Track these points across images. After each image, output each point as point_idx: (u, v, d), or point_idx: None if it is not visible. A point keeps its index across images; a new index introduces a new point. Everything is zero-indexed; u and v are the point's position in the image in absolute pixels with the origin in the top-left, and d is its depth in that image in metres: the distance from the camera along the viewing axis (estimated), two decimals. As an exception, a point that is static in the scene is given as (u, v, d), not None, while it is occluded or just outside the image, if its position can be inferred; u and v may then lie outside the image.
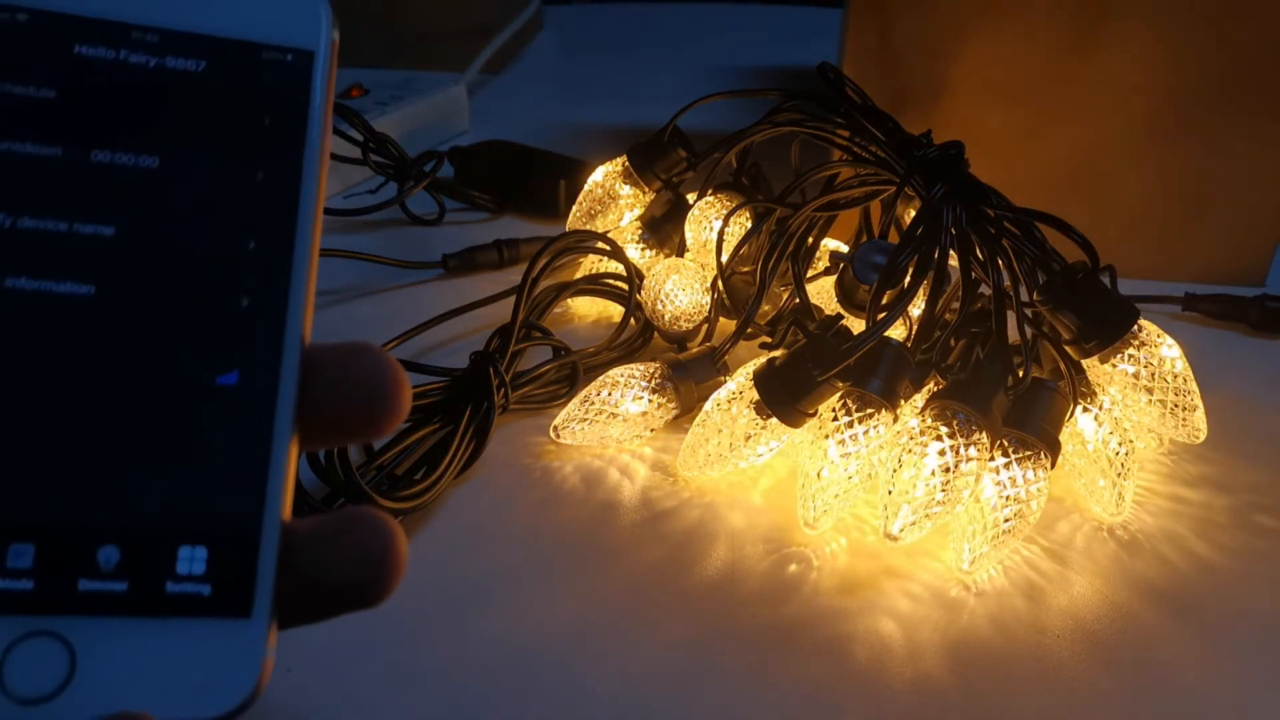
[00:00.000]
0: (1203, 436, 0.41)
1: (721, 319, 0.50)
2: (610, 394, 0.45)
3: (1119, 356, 0.40)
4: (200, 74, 0.20)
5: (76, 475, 0.18)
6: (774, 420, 0.41)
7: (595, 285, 0.53)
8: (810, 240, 0.48)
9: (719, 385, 0.44)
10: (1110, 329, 0.40)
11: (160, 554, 0.18)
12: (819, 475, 0.40)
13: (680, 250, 0.54)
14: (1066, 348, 0.41)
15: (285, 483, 0.19)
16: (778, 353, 0.42)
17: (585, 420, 0.44)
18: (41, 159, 0.19)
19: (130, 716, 0.17)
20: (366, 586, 0.19)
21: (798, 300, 0.46)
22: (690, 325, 0.50)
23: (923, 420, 0.39)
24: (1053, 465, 0.40)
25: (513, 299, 0.48)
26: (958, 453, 0.38)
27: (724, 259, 0.50)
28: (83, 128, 0.19)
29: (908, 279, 0.41)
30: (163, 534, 0.18)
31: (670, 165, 0.55)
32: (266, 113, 0.20)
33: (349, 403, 0.20)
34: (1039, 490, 0.39)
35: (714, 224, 0.52)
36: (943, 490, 0.38)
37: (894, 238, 0.46)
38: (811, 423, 0.41)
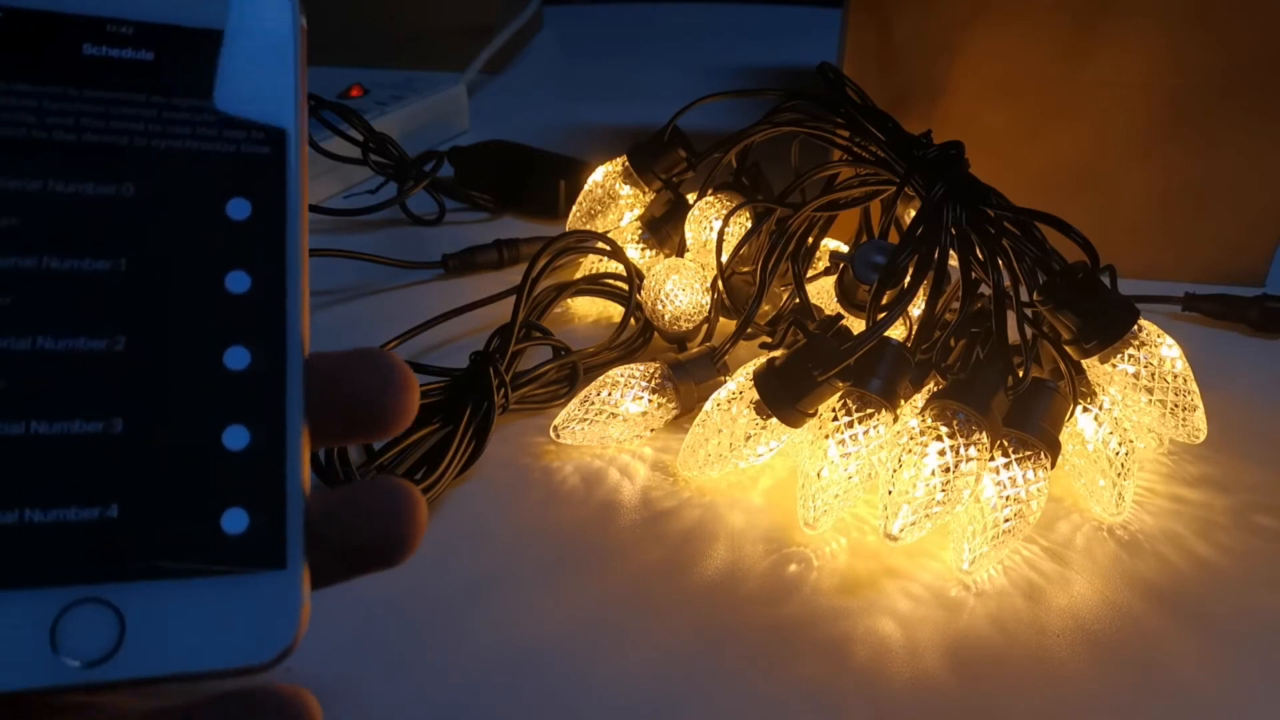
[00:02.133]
0: (1203, 436, 0.41)
1: (721, 319, 0.50)
2: (610, 394, 0.45)
3: (1119, 356, 0.40)
4: (168, 68, 0.20)
5: (112, 453, 0.19)
6: (774, 420, 0.41)
7: (595, 285, 0.53)
8: (810, 240, 0.48)
9: (719, 385, 0.44)
10: (1110, 329, 0.40)
11: (195, 517, 0.19)
12: (819, 475, 0.40)
13: (680, 250, 0.54)
14: (1066, 348, 0.41)
15: (301, 441, 0.20)
16: (778, 353, 0.42)
17: (585, 420, 0.44)
18: (33, 141, 0.19)
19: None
20: (387, 545, 0.20)
21: (798, 300, 0.46)
22: (690, 325, 0.50)
23: (923, 420, 0.39)
24: (1053, 465, 0.40)
25: (513, 299, 0.48)
26: (958, 453, 0.38)
27: (724, 259, 0.50)
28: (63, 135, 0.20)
29: (908, 279, 0.41)
30: (195, 498, 0.19)
31: (670, 165, 0.55)
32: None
33: (359, 402, 0.21)
34: (1039, 490, 0.39)
35: (714, 224, 0.52)
36: (943, 490, 0.38)
37: (894, 238, 0.46)
38: (811, 423, 0.41)
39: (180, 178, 0.20)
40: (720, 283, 0.49)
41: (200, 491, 0.19)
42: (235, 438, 0.19)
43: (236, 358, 0.20)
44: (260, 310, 0.20)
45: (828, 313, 0.45)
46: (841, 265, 0.47)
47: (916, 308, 0.43)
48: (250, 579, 0.19)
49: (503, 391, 0.43)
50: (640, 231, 0.56)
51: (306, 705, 0.19)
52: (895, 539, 0.38)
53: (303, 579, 0.19)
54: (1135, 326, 0.40)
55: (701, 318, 0.50)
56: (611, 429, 0.45)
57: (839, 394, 0.40)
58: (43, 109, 0.19)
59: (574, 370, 0.48)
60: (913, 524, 0.38)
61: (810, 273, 0.49)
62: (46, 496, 0.18)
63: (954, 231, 0.41)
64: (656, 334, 0.52)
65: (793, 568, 0.39)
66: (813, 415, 0.41)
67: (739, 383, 0.42)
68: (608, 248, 0.53)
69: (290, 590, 0.19)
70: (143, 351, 0.19)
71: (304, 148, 0.21)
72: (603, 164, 0.57)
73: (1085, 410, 0.42)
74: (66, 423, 0.19)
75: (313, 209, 0.61)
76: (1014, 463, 0.39)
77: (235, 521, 0.19)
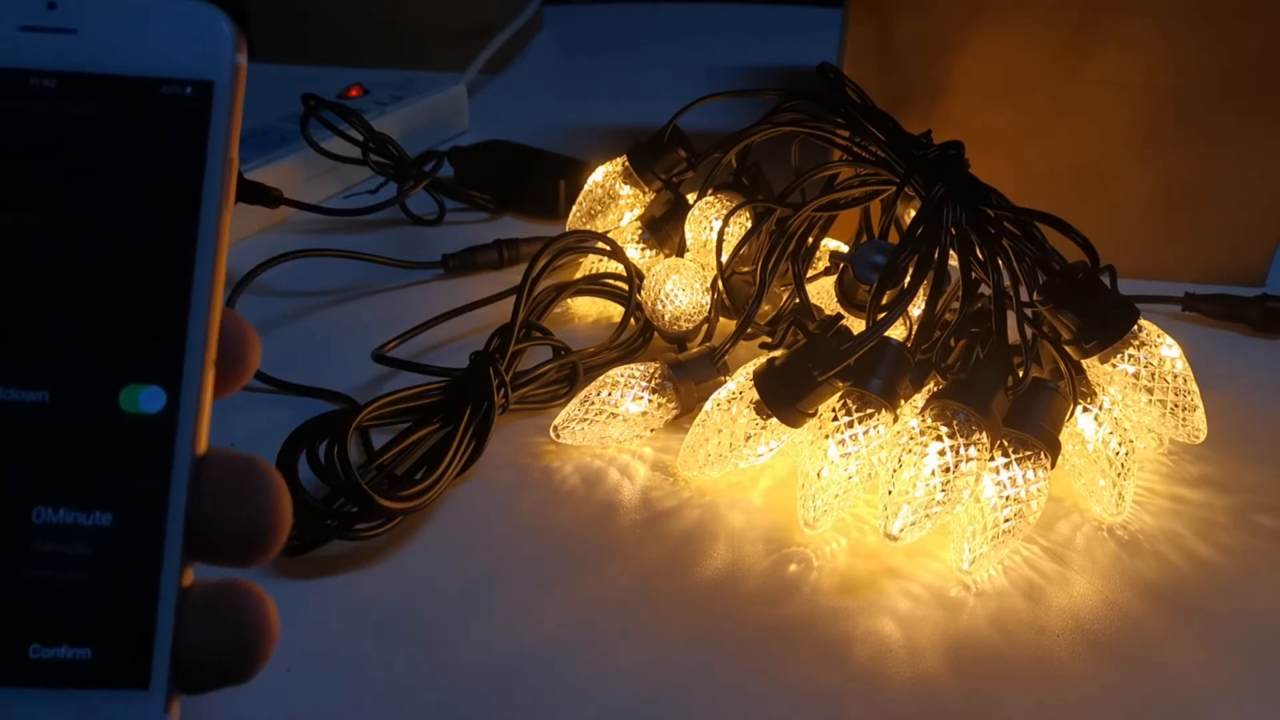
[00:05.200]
0: (1203, 436, 0.41)
1: (721, 319, 0.50)
2: (610, 394, 0.45)
3: (1119, 356, 0.40)
4: (94, 119, 0.19)
5: None
6: (774, 420, 0.41)
7: (595, 285, 0.53)
8: (810, 240, 0.48)
9: (719, 385, 0.44)
10: (1110, 329, 0.40)
11: (58, 626, 0.19)
12: (819, 475, 0.40)
13: (680, 250, 0.54)
14: (1066, 348, 0.41)
15: (181, 554, 0.19)
16: (778, 353, 0.42)
17: (585, 420, 0.44)
18: None
19: None
20: (234, 663, 0.20)
21: (798, 300, 0.46)
22: (690, 325, 0.50)
23: (923, 420, 0.39)
24: (1053, 465, 0.40)
25: (513, 299, 0.48)
26: (958, 453, 0.38)
27: (724, 259, 0.50)
28: None
29: (908, 279, 0.41)
30: (60, 606, 0.19)
31: (670, 165, 0.55)
32: (160, 157, 0.20)
33: (225, 521, 0.20)
34: (1039, 490, 0.39)
35: (714, 224, 0.52)
36: (943, 490, 0.38)
37: (894, 238, 0.46)
38: (811, 423, 0.41)
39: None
40: (720, 283, 0.49)
41: (69, 606, 0.19)
42: (108, 566, 0.19)
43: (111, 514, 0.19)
44: (153, 436, 0.19)
45: (828, 313, 0.45)
46: (841, 265, 0.47)
47: (916, 308, 0.43)
48: (113, 694, 0.19)
49: (503, 391, 0.43)
50: (640, 231, 0.56)
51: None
52: (895, 539, 0.38)
53: (167, 699, 0.19)
54: (1135, 326, 0.40)
55: (701, 318, 0.50)
56: (611, 429, 0.45)
57: (839, 394, 0.40)
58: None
59: (574, 370, 0.48)
60: (913, 524, 0.38)
61: (810, 273, 0.49)
62: None
63: (954, 231, 0.41)
64: (656, 334, 0.52)
65: (793, 568, 0.39)
66: (813, 415, 0.41)
67: (739, 383, 0.42)
68: (608, 248, 0.53)
69: (152, 711, 0.19)
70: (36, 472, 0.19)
71: (228, 211, 0.20)
72: (603, 164, 0.57)
73: (1085, 410, 0.42)
74: None
75: (313, 209, 0.61)
76: (1014, 463, 0.39)
77: (102, 640, 0.19)
